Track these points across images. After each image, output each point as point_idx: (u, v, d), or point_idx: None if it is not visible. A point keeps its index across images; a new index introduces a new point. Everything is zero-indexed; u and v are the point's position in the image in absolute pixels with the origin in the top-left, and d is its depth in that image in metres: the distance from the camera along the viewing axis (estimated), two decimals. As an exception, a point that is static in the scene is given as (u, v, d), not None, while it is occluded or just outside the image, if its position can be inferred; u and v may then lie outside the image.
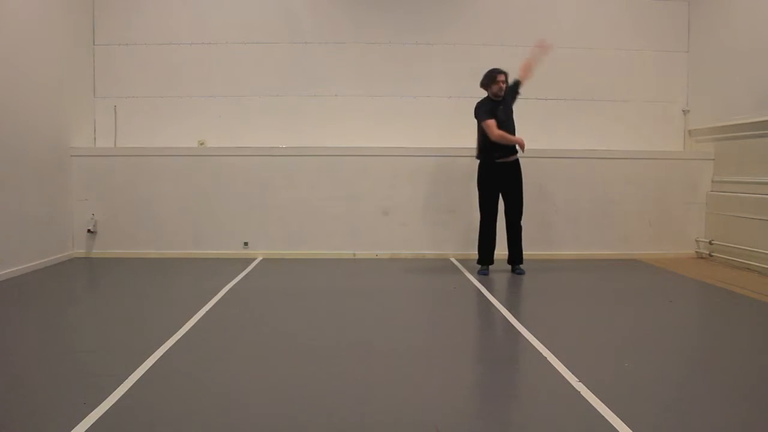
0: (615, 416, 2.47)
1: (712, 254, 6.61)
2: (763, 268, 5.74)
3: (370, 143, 6.79)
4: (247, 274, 5.65)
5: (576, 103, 7.18)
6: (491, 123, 5.44)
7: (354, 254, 6.70)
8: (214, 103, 7.03)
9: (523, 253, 5.76)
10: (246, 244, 6.69)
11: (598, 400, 2.63)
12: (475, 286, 5.16)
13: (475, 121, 5.64)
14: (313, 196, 6.69)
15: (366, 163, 6.71)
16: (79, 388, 2.78)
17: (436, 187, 6.70)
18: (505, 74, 5.60)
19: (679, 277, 5.73)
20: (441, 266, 6.17)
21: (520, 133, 5.69)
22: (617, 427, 2.37)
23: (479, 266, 5.75)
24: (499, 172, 5.59)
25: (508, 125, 5.56)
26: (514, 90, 5.74)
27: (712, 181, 6.81)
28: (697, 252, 6.85)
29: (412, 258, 6.64)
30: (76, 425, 2.35)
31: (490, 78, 5.57)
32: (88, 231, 6.59)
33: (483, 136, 5.58)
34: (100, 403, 2.56)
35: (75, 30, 6.65)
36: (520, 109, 7.14)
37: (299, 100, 7.04)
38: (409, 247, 6.73)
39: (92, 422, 2.39)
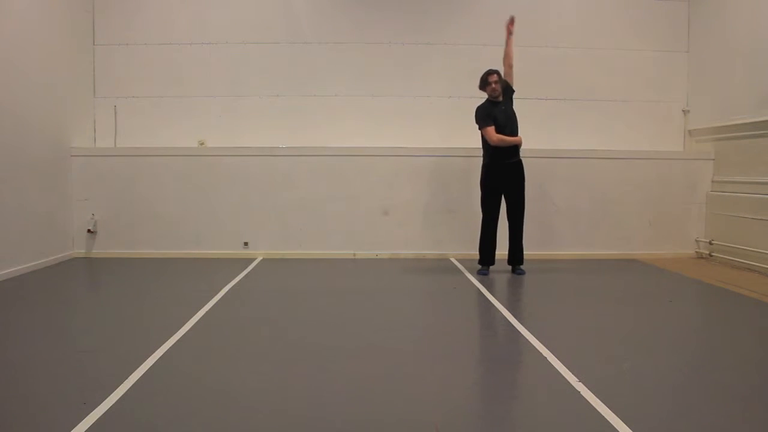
0: (615, 416, 2.47)
1: (712, 254, 6.61)
2: (763, 268, 5.74)
3: (370, 143, 6.79)
4: (247, 274, 5.65)
5: (576, 103, 7.18)
6: (489, 129, 5.50)
7: (354, 254, 6.70)
8: (214, 103, 7.03)
9: (524, 253, 5.76)
10: (246, 244, 6.69)
11: (598, 400, 2.63)
12: (475, 286, 5.16)
13: (476, 125, 5.66)
14: (313, 196, 6.69)
15: (366, 163, 6.71)
16: (79, 388, 2.78)
17: (435, 187, 6.70)
18: (497, 73, 5.59)
19: (679, 277, 5.73)
20: (441, 266, 6.17)
21: (520, 133, 5.69)
22: (617, 427, 2.37)
23: (479, 266, 5.75)
24: (502, 173, 5.60)
25: (508, 126, 5.55)
26: (508, 87, 5.72)
27: (712, 181, 6.81)
28: (697, 252, 6.85)
29: (412, 258, 6.64)
30: (76, 425, 2.35)
31: (483, 80, 5.60)
32: (88, 231, 6.59)
33: (485, 140, 5.61)
34: (100, 403, 2.56)
35: (75, 30, 6.65)
36: (520, 109, 7.14)
37: (299, 100, 7.04)
38: (409, 247, 6.73)
39: (92, 422, 2.39)
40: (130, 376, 2.88)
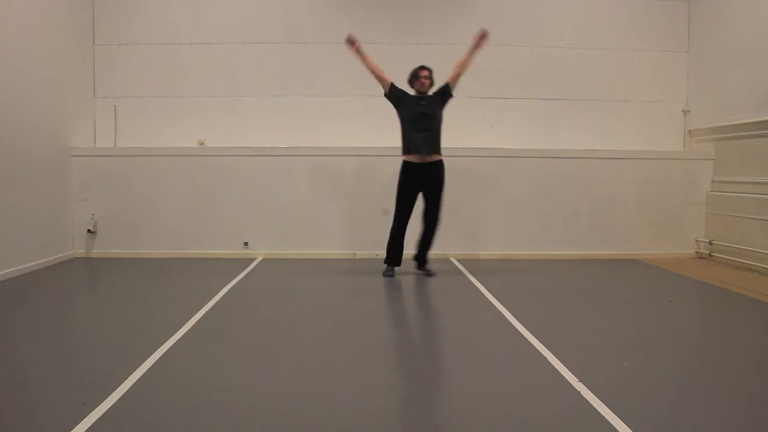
0: (615, 416, 2.47)
1: (712, 254, 6.61)
2: (763, 268, 5.74)
3: (370, 143, 6.79)
4: (247, 274, 5.66)
5: (576, 103, 7.19)
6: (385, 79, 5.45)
7: (354, 254, 6.70)
8: (214, 103, 7.04)
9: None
10: (246, 244, 6.69)
11: (598, 400, 2.63)
12: (475, 286, 5.16)
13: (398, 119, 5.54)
14: (313, 196, 6.69)
15: (366, 163, 6.71)
16: (79, 388, 2.78)
17: (436, 187, 6.70)
18: (429, 70, 5.50)
19: (679, 277, 5.73)
20: (441, 266, 6.16)
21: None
22: (617, 427, 2.38)
23: (386, 266, 5.67)
24: (419, 173, 5.43)
25: (422, 123, 5.35)
26: (445, 92, 5.51)
27: (712, 181, 6.82)
28: (697, 252, 6.85)
29: (412, 258, 6.62)
30: (76, 425, 2.36)
31: (414, 74, 5.49)
32: (88, 231, 6.59)
33: (401, 128, 5.47)
34: (100, 403, 2.56)
35: (75, 30, 6.66)
36: (520, 109, 7.16)
37: (299, 100, 7.04)
38: (409, 247, 6.69)
39: (92, 422, 2.39)
40: (130, 376, 2.88)
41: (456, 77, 5.52)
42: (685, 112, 7.28)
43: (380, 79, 5.49)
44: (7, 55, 5.37)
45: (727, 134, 6.54)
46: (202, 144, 6.92)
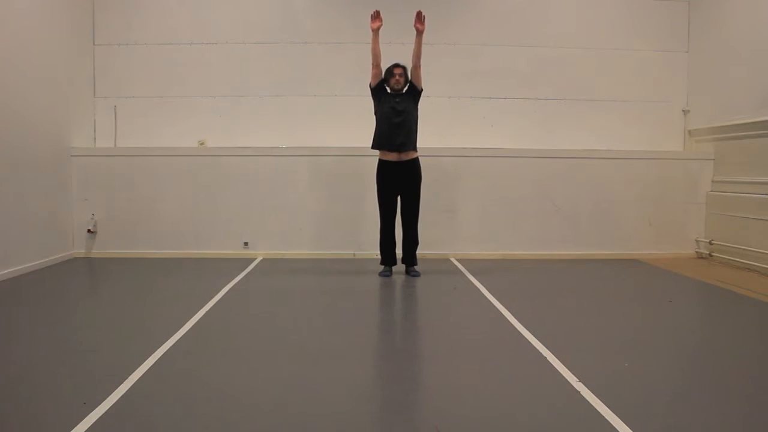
0: (615, 416, 2.47)
1: (712, 254, 6.61)
2: (763, 268, 5.74)
3: (370, 143, 6.77)
4: (247, 274, 5.66)
5: (576, 103, 7.19)
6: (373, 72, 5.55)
7: (354, 254, 6.70)
8: (214, 103, 7.04)
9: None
10: (246, 244, 6.69)
11: (598, 400, 2.63)
12: (475, 286, 5.16)
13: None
14: (313, 196, 6.69)
15: (365, 163, 6.68)
16: (79, 388, 2.78)
17: (435, 187, 6.69)
18: (404, 68, 5.54)
19: (679, 277, 5.73)
20: (441, 266, 6.16)
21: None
22: (617, 427, 2.38)
23: (382, 267, 5.68)
24: (395, 172, 5.47)
25: (400, 118, 5.39)
26: (412, 89, 5.54)
27: (712, 181, 6.81)
28: (697, 252, 6.85)
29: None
30: (76, 425, 2.36)
31: (388, 71, 5.55)
32: (88, 231, 6.59)
33: (377, 125, 5.55)
34: (100, 403, 2.56)
35: (75, 30, 6.65)
36: (520, 109, 7.14)
37: (299, 100, 7.04)
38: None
39: (92, 422, 2.39)
40: (130, 376, 2.88)
41: (414, 69, 5.52)
42: (685, 112, 7.28)
43: (375, 66, 5.53)
44: (7, 55, 5.37)
45: (727, 134, 6.54)
46: (202, 144, 6.92)
